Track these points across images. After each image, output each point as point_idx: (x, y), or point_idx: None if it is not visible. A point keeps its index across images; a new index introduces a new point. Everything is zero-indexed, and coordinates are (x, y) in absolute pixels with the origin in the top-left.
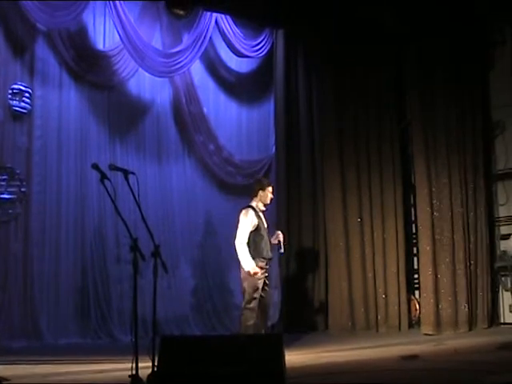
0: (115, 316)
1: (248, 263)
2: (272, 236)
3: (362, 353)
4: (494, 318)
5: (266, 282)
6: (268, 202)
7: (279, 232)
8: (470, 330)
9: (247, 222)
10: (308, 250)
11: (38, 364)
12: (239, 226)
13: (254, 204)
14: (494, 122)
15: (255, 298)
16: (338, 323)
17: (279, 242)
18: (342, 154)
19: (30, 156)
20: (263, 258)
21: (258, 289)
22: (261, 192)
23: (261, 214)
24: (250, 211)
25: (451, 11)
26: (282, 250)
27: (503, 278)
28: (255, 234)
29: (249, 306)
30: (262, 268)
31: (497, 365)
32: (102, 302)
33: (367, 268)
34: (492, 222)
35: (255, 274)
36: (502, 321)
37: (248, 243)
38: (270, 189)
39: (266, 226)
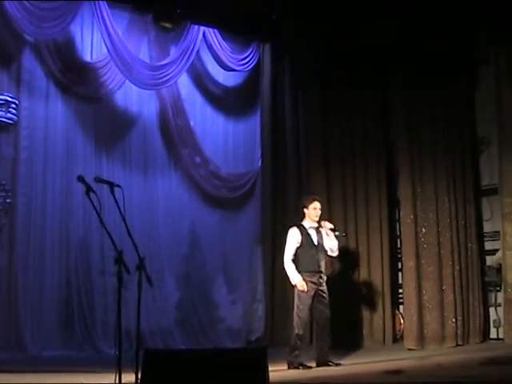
0: (99, 328)
1: (293, 277)
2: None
3: (347, 367)
4: (485, 333)
5: (323, 295)
6: (315, 218)
7: (324, 222)
8: (457, 345)
9: (290, 239)
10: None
11: (20, 375)
12: (286, 244)
13: (304, 222)
14: (479, 138)
15: (303, 311)
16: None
17: (331, 229)
18: (327, 167)
19: (16, 167)
20: (309, 271)
21: (305, 300)
22: (305, 210)
23: (310, 231)
24: (294, 229)
25: (438, 30)
26: (338, 233)
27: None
28: (300, 250)
29: (299, 315)
30: (309, 281)
31: (480, 380)
32: (87, 314)
33: (352, 282)
34: (482, 237)
35: (302, 287)
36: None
37: (294, 259)
38: (315, 204)
39: (316, 241)
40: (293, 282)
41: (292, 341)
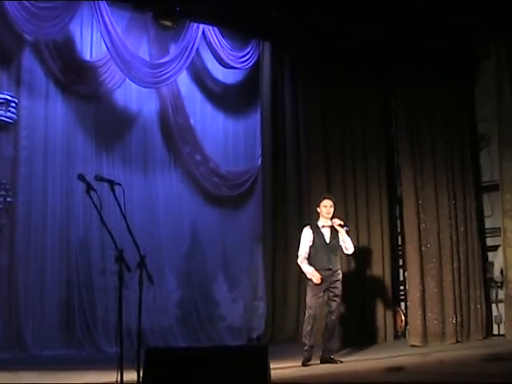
0: (100, 327)
1: (307, 271)
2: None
3: (348, 364)
4: (488, 329)
5: (336, 292)
6: (326, 215)
7: (334, 220)
8: (458, 341)
9: (302, 238)
10: (294, 262)
11: (21, 374)
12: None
13: (318, 221)
14: (480, 135)
15: (312, 306)
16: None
17: (340, 225)
18: (327, 165)
19: (16, 166)
20: (320, 269)
21: (315, 297)
22: (318, 209)
23: (324, 230)
24: (305, 229)
25: (437, 27)
26: (347, 228)
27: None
28: (312, 248)
29: (308, 311)
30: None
31: (482, 376)
32: (87, 313)
33: (353, 279)
34: (483, 234)
35: (316, 279)
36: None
37: (308, 257)
38: (324, 202)
39: (328, 239)
40: (308, 276)
41: (302, 337)
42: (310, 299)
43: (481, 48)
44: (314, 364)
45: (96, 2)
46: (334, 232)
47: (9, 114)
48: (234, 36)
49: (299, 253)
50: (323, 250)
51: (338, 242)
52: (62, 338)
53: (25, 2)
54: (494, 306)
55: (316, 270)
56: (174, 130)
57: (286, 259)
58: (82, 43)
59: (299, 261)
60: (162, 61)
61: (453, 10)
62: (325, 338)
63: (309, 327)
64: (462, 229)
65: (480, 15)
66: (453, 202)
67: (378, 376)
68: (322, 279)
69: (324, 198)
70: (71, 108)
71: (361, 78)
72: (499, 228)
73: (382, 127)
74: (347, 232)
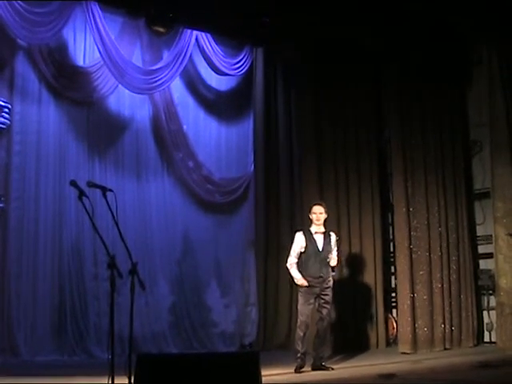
0: (92, 333)
1: (295, 276)
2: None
3: (340, 371)
4: (479, 336)
5: (326, 299)
6: (316, 222)
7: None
8: (449, 348)
9: (294, 244)
10: (286, 268)
11: (13, 379)
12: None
13: (311, 227)
14: (472, 141)
15: (304, 313)
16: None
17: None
18: (320, 171)
19: (9, 172)
20: (311, 276)
21: (306, 304)
22: (310, 215)
23: (316, 236)
24: (298, 234)
25: (430, 31)
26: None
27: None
28: (304, 255)
29: (300, 318)
30: (311, 286)
31: (474, 383)
32: (79, 319)
33: (345, 286)
34: (475, 242)
35: (302, 284)
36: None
37: (299, 263)
38: (314, 209)
39: (321, 246)
40: (296, 282)
41: (294, 344)
42: (301, 306)
43: (474, 54)
44: (305, 371)
45: (89, 6)
46: (327, 239)
47: (2, 119)
48: (227, 42)
49: (289, 259)
50: (315, 257)
51: (331, 249)
52: (54, 344)
53: (18, 7)
54: (485, 313)
55: (306, 277)
56: (166, 136)
57: (279, 265)
58: (75, 49)
59: (288, 264)
60: (155, 67)
61: (447, 16)
62: (316, 345)
63: (301, 334)
64: (454, 236)
65: (473, 21)
66: (444, 209)
67: (369, 383)
68: (314, 287)
69: (314, 205)
70: (64, 113)
71: (354, 83)
72: (491, 235)
73: (375, 133)
74: (337, 241)
